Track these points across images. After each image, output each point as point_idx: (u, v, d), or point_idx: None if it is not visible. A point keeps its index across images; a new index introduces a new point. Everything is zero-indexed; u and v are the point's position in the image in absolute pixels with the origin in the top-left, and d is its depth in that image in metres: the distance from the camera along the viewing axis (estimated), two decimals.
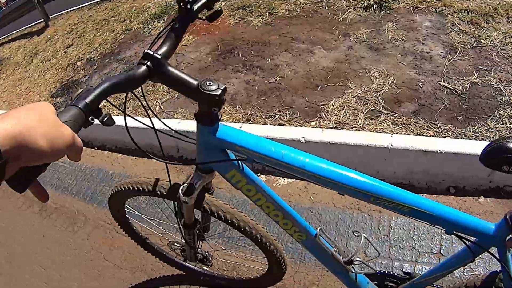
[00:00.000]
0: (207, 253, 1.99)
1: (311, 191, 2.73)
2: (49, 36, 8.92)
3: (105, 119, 0.89)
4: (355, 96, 3.14)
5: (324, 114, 3.05)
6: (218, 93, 1.01)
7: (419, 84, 3.16)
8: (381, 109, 2.97)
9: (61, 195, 3.57)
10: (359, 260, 1.38)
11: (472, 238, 1.11)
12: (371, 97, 3.10)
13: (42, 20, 10.09)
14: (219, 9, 1.27)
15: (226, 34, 4.79)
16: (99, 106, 0.89)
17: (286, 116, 3.15)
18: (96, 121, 0.86)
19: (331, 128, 2.88)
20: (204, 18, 1.27)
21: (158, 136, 1.33)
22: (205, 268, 2.26)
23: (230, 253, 2.46)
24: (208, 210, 1.55)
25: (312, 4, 4.82)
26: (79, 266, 2.83)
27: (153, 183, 1.59)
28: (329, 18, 4.40)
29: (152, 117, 1.30)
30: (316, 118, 3.04)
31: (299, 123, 3.05)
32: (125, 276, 2.63)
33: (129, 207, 2.03)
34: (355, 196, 1.11)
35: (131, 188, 1.66)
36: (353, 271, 1.44)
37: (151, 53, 1.05)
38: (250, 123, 3.17)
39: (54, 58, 7.32)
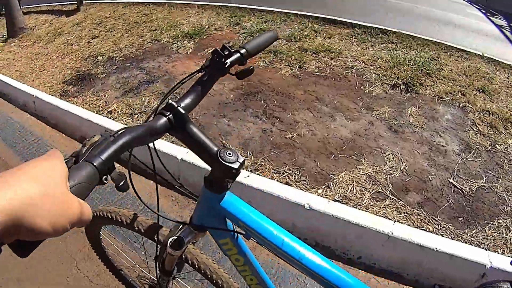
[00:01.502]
0: None
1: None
2: (77, 21, 8.97)
3: (121, 183, 0.81)
4: (366, 173, 3.20)
5: (332, 184, 3.09)
6: (236, 166, 0.96)
7: (429, 177, 3.22)
8: (388, 193, 3.02)
9: None
10: None
11: None
12: (381, 178, 3.15)
13: (75, 2, 10.22)
14: (251, 67, 1.22)
15: (253, 76, 4.84)
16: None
17: (295, 176, 3.19)
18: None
19: (337, 200, 2.92)
20: (233, 74, 1.22)
21: (158, 191, 1.29)
22: None
23: None
24: (190, 261, 1.52)
25: (342, 68, 4.93)
26: (48, 265, 2.73)
27: (132, 218, 1.56)
28: (356, 87, 4.49)
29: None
30: (324, 186, 3.08)
31: (306, 187, 3.08)
32: None
33: (105, 231, 1.99)
34: None
35: (110, 217, 1.63)
36: None
37: (175, 105, 0.99)
38: (258, 174, 3.19)
39: (76, 44, 7.33)
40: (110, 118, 4.19)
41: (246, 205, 1.15)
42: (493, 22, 10.12)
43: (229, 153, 0.97)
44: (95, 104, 4.74)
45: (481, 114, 4.13)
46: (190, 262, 1.52)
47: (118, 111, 4.34)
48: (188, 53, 5.81)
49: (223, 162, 0.95)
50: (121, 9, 9.11)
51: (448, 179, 3.22)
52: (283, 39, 6.01)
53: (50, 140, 4.47)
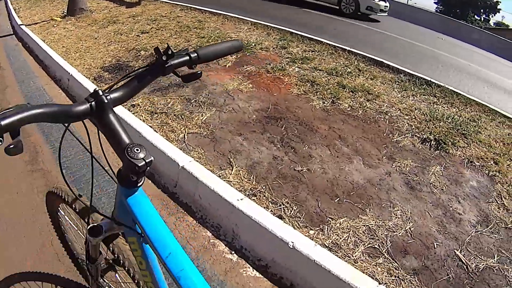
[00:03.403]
0: (107, 286, 1.90)
1: None
2: (134, 14, 9.40)
3: (11, 146, 0.84)
4: (367, 225, 2.99)
5: (327, 228, 2.90)
6: (140, 164, 0.96)
7: (435, 244, 2.97)
8: (384, 251, 2.80)
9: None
10: None
11: None
12: (381, 234, 2.93)
13: None
14: (199, 72, 1.26)
15: (283, 100, 4.75)
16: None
17: (291, 211, 3.02)
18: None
19: (325, 246, 2.73)
20: (179, 75, 1.26)
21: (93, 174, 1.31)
22: None
23: None
24: (116, 255, 1.53)
25: (376, 112, 4.76)
26: (26, 231, 2.80)
27: (74, 198, 1.60)
28: (384, 134, 4.30)
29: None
30: (317, 228, 2.89)
31: (298, 225, 2.91)
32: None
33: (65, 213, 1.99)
34: None
35: (58, 194, 1.71)
36: None
37: (101, 93, 1.03)
38: (253, 199, 3.05)
39: (126, 35, 7.58)
40: (131, 111, 4.18)
41: (151, 207, 1.15)
42: None
43: (137, 150, 0.98)
44: None
45: (510, 187, 3.85)
46: (116, 255, 1.54)
47: (140, 107, 4.36)
48: (227, 66, 5.79)
49: (128, 156, 0.96)
50: (178, 11, 9.35)
51: (455, 250, 2.97)
52: (324, 71, 5.89)
53: None
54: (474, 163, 4.10)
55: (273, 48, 6.86)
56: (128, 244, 1.26)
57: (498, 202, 3.60)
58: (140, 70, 1.19)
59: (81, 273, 2.27)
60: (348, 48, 7.13)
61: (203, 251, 2.76)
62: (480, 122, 5.16)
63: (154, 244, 1.05)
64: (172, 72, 1.24)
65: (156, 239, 1.06)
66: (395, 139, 4.24)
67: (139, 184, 1.11)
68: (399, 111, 4.89)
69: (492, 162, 4.18)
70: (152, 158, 0.99)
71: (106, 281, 1.89)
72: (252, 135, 3.98)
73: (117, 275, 1.82)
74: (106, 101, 1.03)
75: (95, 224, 1.30)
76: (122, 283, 1.93)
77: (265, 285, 2.60)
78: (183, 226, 2.94)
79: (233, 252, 2.79)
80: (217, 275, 2.59)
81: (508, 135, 5.03)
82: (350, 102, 4.92)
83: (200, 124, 4.09)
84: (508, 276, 2.85)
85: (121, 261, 1.53)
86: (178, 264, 1.03)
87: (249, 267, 2.69)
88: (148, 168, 1.00)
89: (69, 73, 5.57)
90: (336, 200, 3.22)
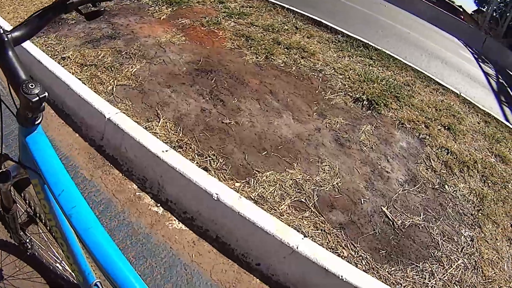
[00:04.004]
0: (29, 239, 1.87)
1: (197, 249, 2.43)
2: None
3: None
4: (294, 179, 2.89)
5: (254, 181, 2.79)
6: (34, 100, 0.93)
7: (362, 199, 2.93)
8: (311, 205, 2.72)
9: None
10: None
11: None
12: (308, 188, 2.85)
13: None
14: (102, 9, 1.25)
15: (215, 54, 4.56)
16: None
17: (217, 163, 2.88)
18: None
19: (251, 199, 2.61)
20: (83, 14, 1.24)
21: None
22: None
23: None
24: (27, 201, 1.54)
25: (310, 69, 4.66)
26: None
27: None
28: (316, 91, 4.22)
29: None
30: (243, 181, 2.77)
31: (224, 177, 2.77)
32: None
33: None
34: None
35: None
36: None
37: (1, 31, 1.02)
38: (179, 151, 2.88)
39: None
40: (61, 64, 3.87)
41: (47, 145, 1.12)
42: (482, 69, 10.07)
43: (32, 85, 0.94)
44: (53, 48, 4.43)
45: (439, 150, 3.88)
46: (27, 201, 1.54)
47: (71, 59, 4.04)
48: (161, 18, 5.51)
49: (22, 93, 0.93)
50: None
51: (382, 206, 2.94)
52: (260, 27, 5.71)
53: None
54: (405, 125, 4.10)
55: (210, 2, 6.60)
56: (34, 189, 1.21)
57: (427, 163, 3.62)
58: (43, 9, 1.16)
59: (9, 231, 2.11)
60: (287, 6, 6.97)
61: (129, 204, 2.61)
62: (415, 87, 5.21)
63: (48, 182, 1.03)
64: (75, 10, 1.22)
65: (50, 177, 1.04)
66: (327, 97, 4.16)
67: (36, 122, 1.09)
68: (333, 70, 4.82)
69: (423, 126, 4.21)
70: (46, 94, 0.95)
71: (28, 234, 1.86)
72: (181, 87, 3.78)
73: (39, 227, 1.78)
74: (6, 39, 1.03)
75: (3, 170, 1.27)
76: (43, 234, 1.88)
77: (191, 237, 2.48)
78: (109, 180, 2.76)
79: (159, 204, 2.65)
80: (143, 228, 2.46)
81: (441, 101, 5.11)
82: (284, 59, 4.79)
83: (129, 76, 3.86)
84: (433, 234, 2.87)
85: (33, 208, 1.54)
86: (70, 202, 1.01)
87: (175, 220, 2.56)
88: (44, 104, 0.97)
89: (1, 26, 5.16)
90: (263, 154, 3.10)
